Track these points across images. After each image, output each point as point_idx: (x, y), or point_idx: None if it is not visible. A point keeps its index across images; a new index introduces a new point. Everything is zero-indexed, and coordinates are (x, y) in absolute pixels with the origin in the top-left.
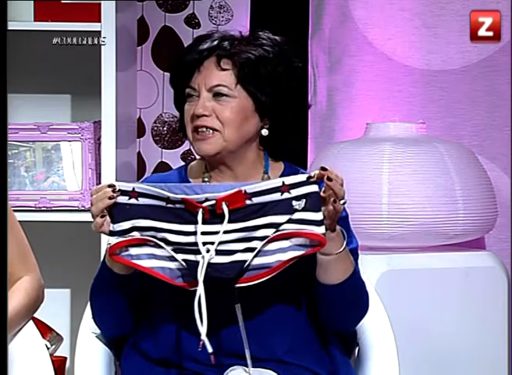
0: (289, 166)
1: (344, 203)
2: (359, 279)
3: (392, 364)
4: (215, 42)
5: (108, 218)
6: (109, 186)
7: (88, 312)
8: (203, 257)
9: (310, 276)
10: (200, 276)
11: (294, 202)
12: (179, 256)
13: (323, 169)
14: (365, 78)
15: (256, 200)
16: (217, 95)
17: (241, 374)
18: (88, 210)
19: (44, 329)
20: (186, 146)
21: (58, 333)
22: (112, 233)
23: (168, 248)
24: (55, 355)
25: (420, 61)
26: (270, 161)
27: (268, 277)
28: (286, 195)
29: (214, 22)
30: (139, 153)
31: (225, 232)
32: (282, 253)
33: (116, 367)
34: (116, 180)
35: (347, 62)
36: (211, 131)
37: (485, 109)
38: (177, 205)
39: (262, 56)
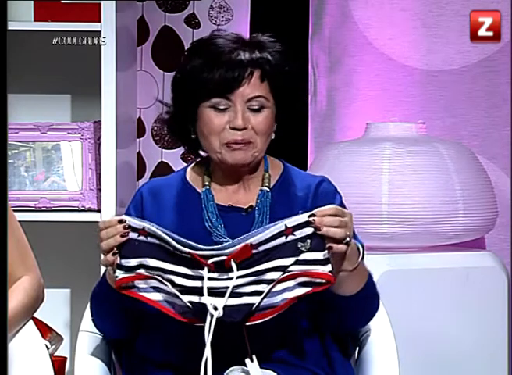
0: (286, 164)
1: (347, 243)
2: (372, 286)
3: (392, 364)
4: (254, 54)
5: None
6: (119, 221)
7: (88, 312)
8: (210, 314)
9: None
10: (208, 337)
11: (300, 244)
12: (185, 298)
13: (312, 215)
14: (365, 78)
15: (262, 248)
16: (254, 106)
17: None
18: (88, 210)
19: (44, 329)
20: None
21: (58, 333)
22: (118, 267)
23: (175, 290)
24: (55, 355)
25: (420, 61)
26: (269, 159)
27: (274, 315)
28: (290, 238)
29: (214, 22)
30: (139, 153)
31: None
32: (289, 292)
33: (116, 367)
34: (116, 180)
35: (347, 62)
36: (247, 143)
37: (485, 109)
38: (184, 255)
39: (287, 66)
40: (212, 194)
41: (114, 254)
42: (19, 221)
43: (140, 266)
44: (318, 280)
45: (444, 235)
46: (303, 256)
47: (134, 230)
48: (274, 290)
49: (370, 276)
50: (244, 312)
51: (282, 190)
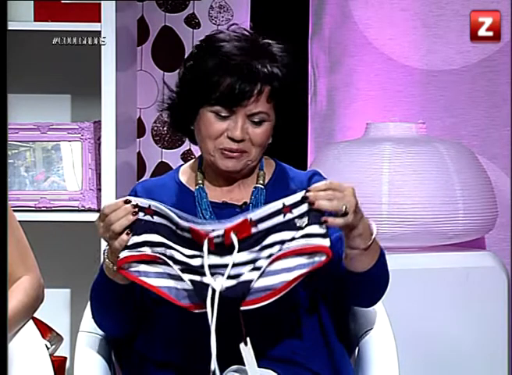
0: (278, 162)
1: (343, 215)
2: (384, 263)
3: (391, 364)
4: (265, 69)
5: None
6: (125, 202)
7: (88, 312)
8: (213, 288)
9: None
10: (213, 314)
11: (297, 220)
12: (186, 276)
13: (307, 191)
14: (365, 78)
15: (261, 226)
16: (255, 120)
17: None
18: (87, 210)
19: (44, 329)
20: (186, 146)
21: (58, 333)
22: (123, 247)
23: (176, 267)
24: (55, 355)
25: (420, 61)
26: (263, 158)
27: (273, 299)
28: (288, 216)
29: (214, 22)
30: (139, 153)
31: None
32: (287, 273)
33: (116, 368)
34: (116, 180)
35: (347, 62)
36: (238, 153)
37: (485, 109)
38: (185, 234)
39: (293, 83)
40: (206, 192)
41: (127, 234)
42: (19, 221)
43: (144, 243)
44: (316, 258)
45: (444, 235)
46: (300, 232)
47: (140, 209)
48: (272, 268)
49: (382, 254)
50: (243, 289)
51: (276, 187)
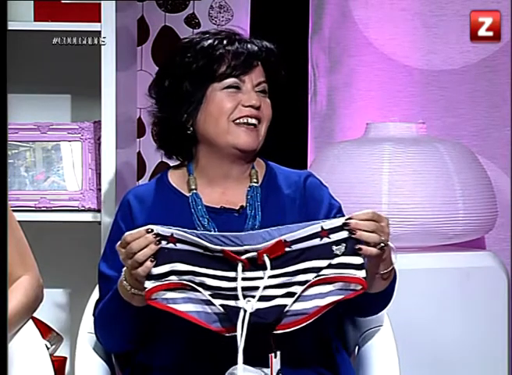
0: (268, 161)
1: (382, 248)
2: (395, 281)
3: (392, 364)
4: (259, 44)
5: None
6: (147, 231)
7: (88, 312)
8: (244, 310)
9: None
10: (242, 335)
11: (334, 247)
12: (217, 302)
13: (348, 219)
14: (365, 78)
15: (295, 247)
16: (261, 91)
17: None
18: (87, 210)
19: (44, 329)
20: None
21: (58, 333)
22: (148, 277)
23: (206, 293)
24: (55, 355)
25: (420, 61)
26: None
27: (305, 324)
28: (325, 240)
29: (214, 22)
30: (139, 153)
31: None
32: (321, 299)
33: (116, 370)
34: (116, 180)
35: (347, 62)
36: (255, 125)
37: (485, 109)
38: (216, 254)
39: (284, 64)
40: (200, 198)
41: (151, 261)
42: (19, 221)
43: (170, 273)
44: (351, 287)
45: (444, 235)
46: (337, 260)
47: (163, 237)
48: (306, 294)
49: (395, 274)
50: (276, 314)
51: (270, 186)
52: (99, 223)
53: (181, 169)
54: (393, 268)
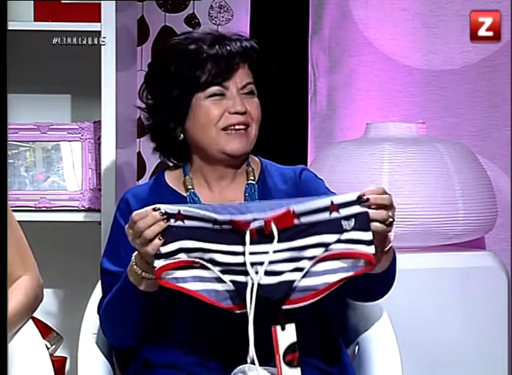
0: (262, 159)
1: (390, 223)
2: (395, 262)
3: (394, 364)
4: (241, 43)
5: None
6: (154, 210)
7: (89, 311)
8: (252, 279)
9: None
10: (252, 302)
11: (344, 222)
12: (227, 277)
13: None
14: (365, 78)
15: (304, 220)
16: (247, 93)
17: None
18: (87, 210)
19: (44, 329)
20: None
21: (58, 333)
22: (157, 256)
23: (216, 269)
24: (55, 355)
25: (420, 61)
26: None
27: (314, 300)
28: (334, 215)
29: (214, 22)
30: (139, 153)
31: (274, 252)
32: (330, 274)
33: (116, 368)
34: (116, 180)
35: (347, 62)
36: (244, 129)
37: (485, 109)
38: (224, 226)
39: (270, 58)
40: (198, 197)
41: (160, 239)
42: (19, 221)
43: (179, 250)
44: (361, 263)
45: (444, 235)
46: (346, 235)
47: (170, 215)
48: (315, 269)
49: (394, 253)
50: (285, 289)
51: (267, 182)
52: (99, 223)
53: (177, 170)
54: (391, 246)
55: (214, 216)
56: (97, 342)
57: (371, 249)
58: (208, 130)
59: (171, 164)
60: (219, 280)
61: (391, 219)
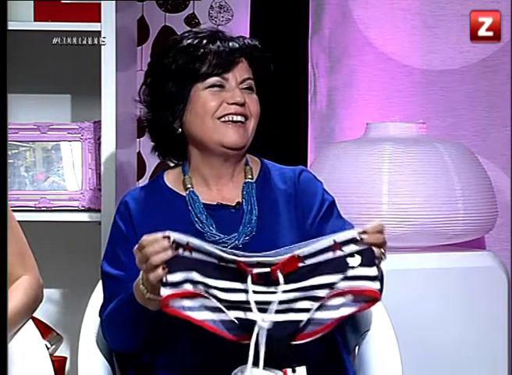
0: (262, 159)
1: (381, 259)
2: (382, 282)
3: (394, 364)
4: (241, 41)
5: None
6: (164, 237)
7: (90, 311)
8: (259, 327)
9: None
10: (261, 348)
11: (349, 259)
12: (232, 313)
13: (362, 233)
14: (365, 78)
15: (309, 262)
16: (246, 89)
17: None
18: (87, 210)
19: (44, 329)
20: None
21: (58, 333)
22: (164, 284)
23: (221, 305)
24: (55, 355)
25: (420, 61)
26: (247, 155)
27: (320, 335)
28: (338, 253)
29: (214, 22)
30: (139, 153)
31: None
32: (336, 310)
33: (116, 367)
34: (116, 180)
35: (347, 62)
36: (242, 122)
37: (485, 109)
38: (230, 265)
39: (269, 58)
40: (197, 195)
41: (164, 268)
42: (19, 221)
43: (185, 281)
44: (364, 298)
45: (444, 235)
46: (352, 272)
47: (179, 245)
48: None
49: (382, 274)
50: (291, 328)
51: (265, 182)
52: (99, 223)
53: (176, 170)
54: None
55: (220, 254)
56: (97, 342)
57: (376, 285)
58: (205, 121)
59: (172, 164)
60: (224, 312)
61: (383, 256)
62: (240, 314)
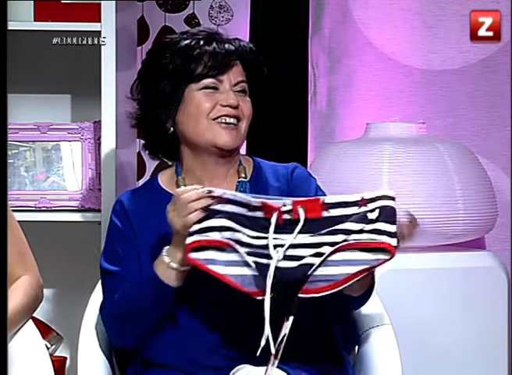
0: (255, 158)
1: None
2: (372, 285)
3: (394, 364)
4: (236, 43)
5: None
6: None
7: (89, 312)
8: (272, 258)
9: None
10: (269, 279)
11: (369, 214)
12: (251, 258)
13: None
14: (365, 78)
15: (333, 212)
16: (239, 91)
17: (249, 373)
18: (87, 210)
19: (44, 329)
20: None
21: (58, 333)
22: (190, 234)
23: (242, 250)
24: (55, 355)
25: (420, 61)
26: (239, 155)
27: (332, 291)
28: (362, 209)
29: (214, 22)
30: (139, 153)
31: (297, 236)
32: (350, 266)
33: (116, 366)
34: (116, 180)
35: (347, 62)
36: (234, 124)
37: (485, 109)
38: (256, 213)
39: (263, 61)
40: None
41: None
42: (19, 221)
43: (213, 228)
44: (380, 256)
45: (444, 235)
46: (371, 226)
47: (213, 197)
48: (334, 258)
49: (373, 277)
50: (303, 272)
51: (259, 180)
52: (99, 223)
53: (170, 171)
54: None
55: (249, 199)
56: (98, 342)
57: (393, 241)
58: (199, 121)
59: (168, 162)
60: (246, 264)
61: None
62: (259, 259)
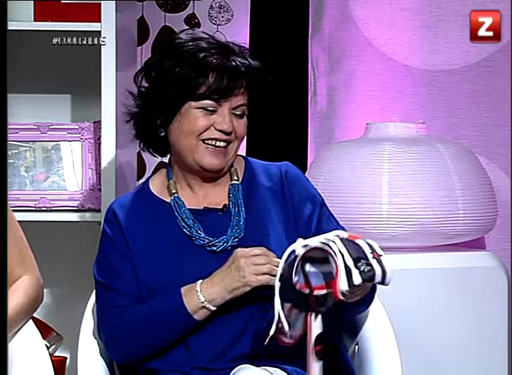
0: (246, 157)
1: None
2: (372, 295)
3: (394, 364)
4: (243, 61)
5: None
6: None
7: (89, 312)
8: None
9: None
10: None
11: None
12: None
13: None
14: (365, 78)
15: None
16: (238, 112)
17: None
18: (87, 210)
19: (44, 329)
20: None
21: (58, 333)
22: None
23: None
24: (55, 355)
25: (420, 61)
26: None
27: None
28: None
29: (214, 22)
30: (139, 153)
31: None
32: None
33: (116, 368)
34: (116, 180)
35: (347, 62)
36: (224, 147)
37: (485, 109)
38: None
39: (267, 75)
40: (182, 201)
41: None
42: (19, 221)
43: None
44: None
45: (444, 235)
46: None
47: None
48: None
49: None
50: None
51: (251, 181)
52: (99, 223)
53: (161, 175)
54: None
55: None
56: (98, 342)
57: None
58: (189, 138)
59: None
60: None
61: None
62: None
